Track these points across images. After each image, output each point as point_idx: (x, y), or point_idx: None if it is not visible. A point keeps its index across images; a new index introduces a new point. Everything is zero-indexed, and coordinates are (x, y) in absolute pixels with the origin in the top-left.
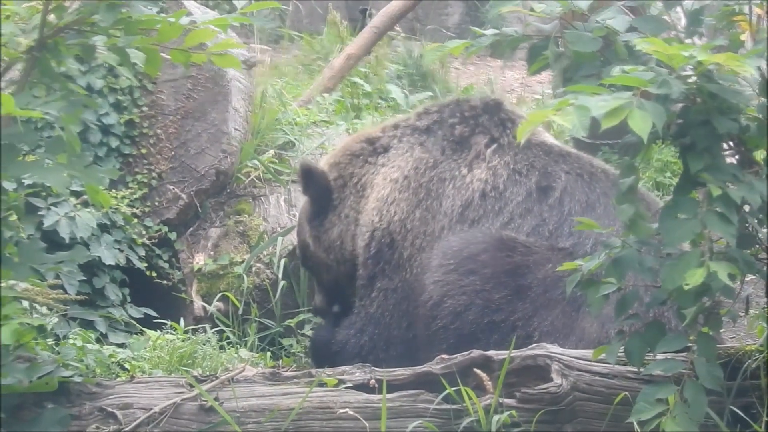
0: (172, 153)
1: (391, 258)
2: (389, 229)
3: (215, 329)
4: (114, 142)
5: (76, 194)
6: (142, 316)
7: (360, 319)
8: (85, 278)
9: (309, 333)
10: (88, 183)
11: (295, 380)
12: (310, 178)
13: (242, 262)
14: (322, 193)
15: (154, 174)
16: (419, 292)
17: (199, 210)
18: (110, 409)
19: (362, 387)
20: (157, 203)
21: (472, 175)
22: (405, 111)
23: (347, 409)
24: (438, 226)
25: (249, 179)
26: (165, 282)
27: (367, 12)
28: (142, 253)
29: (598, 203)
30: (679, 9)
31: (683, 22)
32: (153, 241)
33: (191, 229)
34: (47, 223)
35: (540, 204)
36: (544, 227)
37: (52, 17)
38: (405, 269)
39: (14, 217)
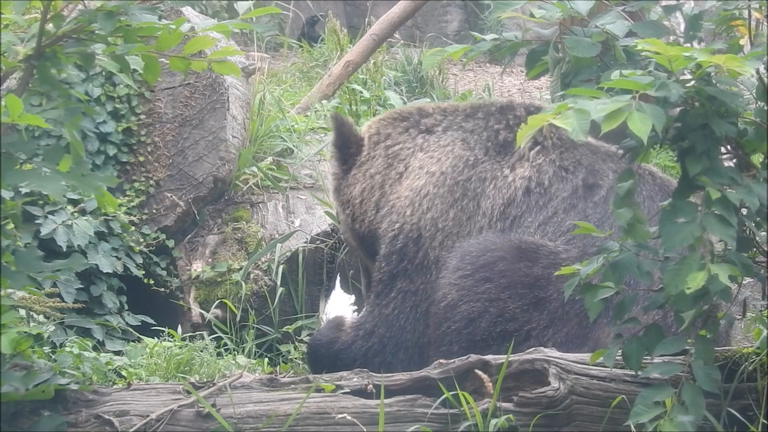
0: (170, 161)
1: (415, 257)
2: (419, 224)
3: (213, 336)
4: (111, 150)
5: (74, 202)
6: (140, 323)
7: (372, 319)
8: (82, 286)
9: (307, 339)
10: (86, 191)
11: (292, 386)
12: (335, 127)
13: (240, 269)
14: (345, 143)
15: (151, 182)
16: (434, 288)
17: (197, 217)
18: (107, 417)
19: (360, 392)
20: (154, 211)
21: (515, 174)
22: None
23: (345, 415)
24: (475, 228)
25: (247, 186)
26: (162, 289)
27: (315, 21)
28: (140, 260)
29: (643, 206)
30: (678, 14)
31: (682, 27)
32: (150, 248)
33: (189, 236)
34: (44, 231)
35: (585, 201)
36: None
37: (50, 26)
38: (431, 271)
39: (11, 225)
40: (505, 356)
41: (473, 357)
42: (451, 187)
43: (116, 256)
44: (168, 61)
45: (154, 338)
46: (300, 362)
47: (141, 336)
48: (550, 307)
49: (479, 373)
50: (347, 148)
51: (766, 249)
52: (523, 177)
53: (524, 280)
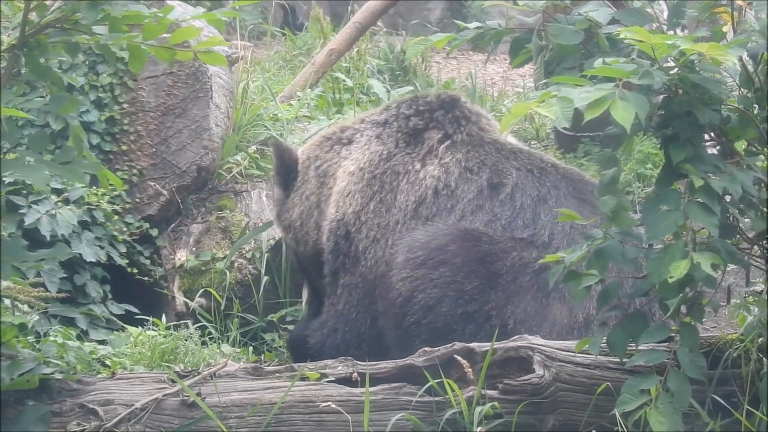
0: (153, 149)
1: (348, 251)
2: (344, 220)
3: (197, 325)
4: (95, 139)
5: (57, 192)
6: (123, 312)
7: (331, 317)
8: (65, 275)
9: (290, 328)
10: (71, 180)
11: (277, 375)
12: (276, 155)
13: (224, 258)
14: (286, 171)
15: (134, 171)
16: (386, 290)
17: (181, 206)
18: (91, 406)
19: (344, 380)
20: (138, 200)
21: (425, 171)
22: None
23: (330, 403)
24: (392, 220)
25: (230, 175)
26: (146, 278)
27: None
28: (123, 249)
29: (549, 195)
30: (661, 1)
31: (665, 14)
32: (134, 237)
33: (173, 225)
34: (28, 221)
35: (491, 200)
36: (497, 222)
37: (33, 15)
38: (361, 263)
39: None
40: (490, 344)
41: (458, 344)
42: (369, 180)
43: (100, 246)
44: (153, 51)
45: (138, 327)
46: (284, 351)
47: (125, 325)
48: (502, 282)
49: (459, 359)
50: (288, 174)
51: (749, 236)
52: (432, 176)
53: (476, 256)
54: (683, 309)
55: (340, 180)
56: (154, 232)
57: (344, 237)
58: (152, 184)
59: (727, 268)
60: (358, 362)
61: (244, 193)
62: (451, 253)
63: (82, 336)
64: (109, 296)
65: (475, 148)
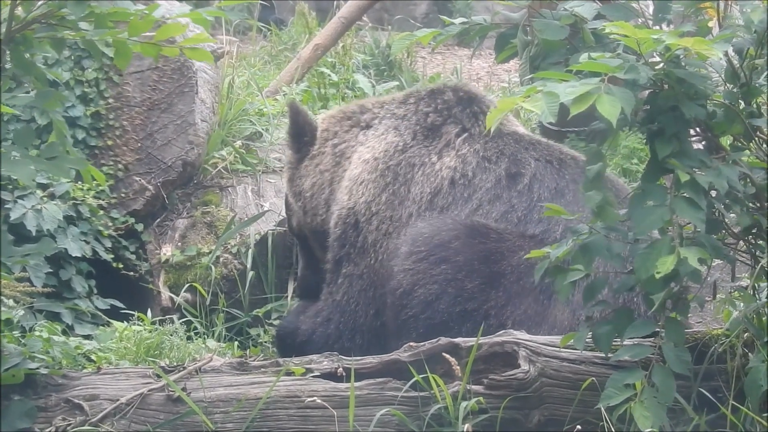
0: (139, 144)
1: (355, 241)
2: (355, 209)
3: (182, 320)
4: (80, 134)
5: (43, 187)
6: (109, 307)
7: (327, 306)
8: (51, 270)
9: (276, 323)
10: (57, 175)
11: (262, 369)
12: (290, 115)
13: (210, 253)
14: (298, 132)
15: (120, 165)
16: (387, 279)
17: (166, 201)
18: (77, 401)
19: (330, 375)
20: (123, 195)
21: (442, 162)
22: None
23: (315, 398)
24: (405, 213)
25: (216, 170)
26: (132, 273)
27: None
28: (109, 244)
29: (567, 189)
30: None
31: (651, 9)
32: (119, 232)
33: (158, 220)
34: (14, 216)
35: (509, 190)
36: (513, 213)
37: (20, 11)
38: (369, 255)
39: None
40: (475, 339)
41: (443, 340)
42: (382, 171)
43: (85, 240)
44: (140, 48)
45: (123, 322)
46: (270, 346)
47: (110, 320)
48: (505, 282)
49: (447, 356)
50: (301, 137)
51: (735, 231)
52: (449, 167)
53: (480, 255)
54: (668, 304)
55: (354, 166)
56: (140, 227)
57: (353, 226)
58: (138, 179)
59: (713, 264)
60: (344, 357)
61: (229, 188)
62: (453, 251)
63: (68, 331)
64: (95, 291)
65: (494, 139)
